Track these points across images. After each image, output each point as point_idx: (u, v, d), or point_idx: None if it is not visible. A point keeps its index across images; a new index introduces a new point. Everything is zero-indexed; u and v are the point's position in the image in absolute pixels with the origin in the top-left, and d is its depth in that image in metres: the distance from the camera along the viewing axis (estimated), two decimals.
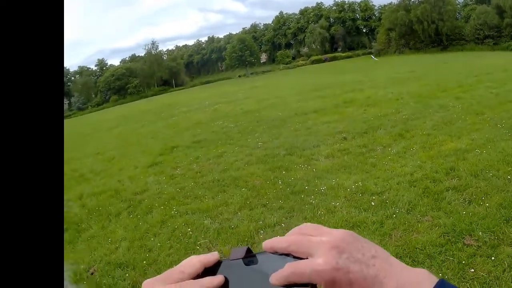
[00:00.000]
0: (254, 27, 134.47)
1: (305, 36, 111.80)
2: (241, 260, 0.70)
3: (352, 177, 7.62)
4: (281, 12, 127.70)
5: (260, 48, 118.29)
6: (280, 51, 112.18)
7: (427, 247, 4.70)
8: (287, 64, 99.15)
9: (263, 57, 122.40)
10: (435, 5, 72.16)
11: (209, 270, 0.71)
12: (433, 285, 0.55)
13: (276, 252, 0.67)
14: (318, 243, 0.61)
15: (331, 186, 7.32)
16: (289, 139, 11.67)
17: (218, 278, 0.69)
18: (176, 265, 0.68)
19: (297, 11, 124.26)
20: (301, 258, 0.64)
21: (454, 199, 5.88)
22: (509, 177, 6.50)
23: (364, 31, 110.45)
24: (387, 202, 6.17)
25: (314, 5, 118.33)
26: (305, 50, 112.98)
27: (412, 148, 8.76)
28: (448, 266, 4.32)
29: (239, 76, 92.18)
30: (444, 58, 43.79)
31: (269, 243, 0.67)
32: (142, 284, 0.68)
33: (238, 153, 11.18)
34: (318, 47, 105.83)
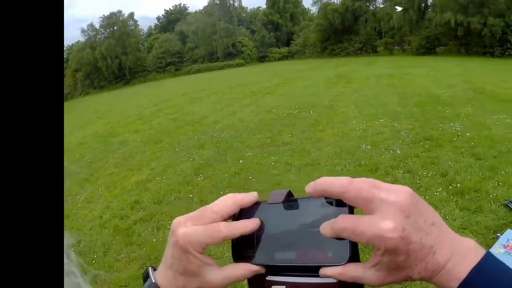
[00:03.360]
0: None
1: None
2: (281, 204, 0.68)
3: None
4: None
5: None
6: None
7: (130, 283, 4.92)
8: None
9: None
10: (120, 39, 72.91)
11: (246, 212, 0.70)
12: (481, 257, 0.55)
13: (323, 197, 0.64)
14: (383, 200, 0.56)
15: None
16: None
17: (253, 222, 0.68)
18: None
19: None
20: (351, 209, 0.61)
21: (143, 230, 6.27)
22: (190, 195, 7.25)
23: None
24: (85, 250, 6.18)
25: None
26: None
27: (98, 191, 8.92)
28: None
29: None
30: (126, 93, 44.80)
31: (318, 185, 0.62)
32: (173, 222, 0.68)
33: None
34: None
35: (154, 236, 5.99)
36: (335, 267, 0.60)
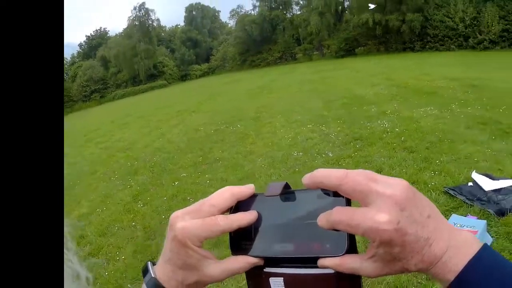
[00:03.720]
0: None
1: None
2: (278, 196, 0.68)
3: None
4: None
5: None
6: None
7: None
8: None
9: None
10: None
11: (243, 204, 0.71)
12: (477, 250, 0.56)
13: (320, 189, 0.64)
14: (379, 193, 0.57)
15: None
16: None
17: (251, 214, 0.69)
18: None
19: None
20: (348, 200, 0.62)
21: (93, 264, 5.60)
22: (133, 223, 7.08)
23: None
24: None
25: None
26: None
27: None
28: None
29: None
30: None
31: (315, 177, 0.62)
32: (171, 216, 0.67)
33: None
34: None
35: (106, 270, 5.75)
36: (333, 258, 0.62)
